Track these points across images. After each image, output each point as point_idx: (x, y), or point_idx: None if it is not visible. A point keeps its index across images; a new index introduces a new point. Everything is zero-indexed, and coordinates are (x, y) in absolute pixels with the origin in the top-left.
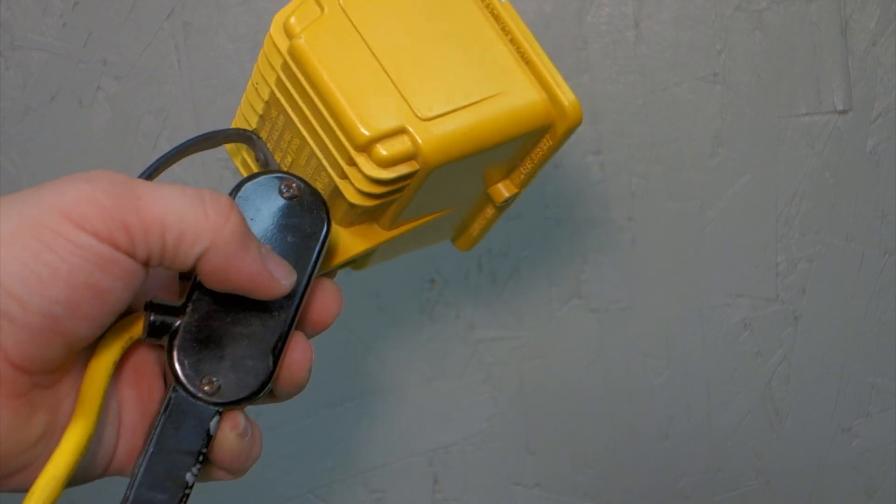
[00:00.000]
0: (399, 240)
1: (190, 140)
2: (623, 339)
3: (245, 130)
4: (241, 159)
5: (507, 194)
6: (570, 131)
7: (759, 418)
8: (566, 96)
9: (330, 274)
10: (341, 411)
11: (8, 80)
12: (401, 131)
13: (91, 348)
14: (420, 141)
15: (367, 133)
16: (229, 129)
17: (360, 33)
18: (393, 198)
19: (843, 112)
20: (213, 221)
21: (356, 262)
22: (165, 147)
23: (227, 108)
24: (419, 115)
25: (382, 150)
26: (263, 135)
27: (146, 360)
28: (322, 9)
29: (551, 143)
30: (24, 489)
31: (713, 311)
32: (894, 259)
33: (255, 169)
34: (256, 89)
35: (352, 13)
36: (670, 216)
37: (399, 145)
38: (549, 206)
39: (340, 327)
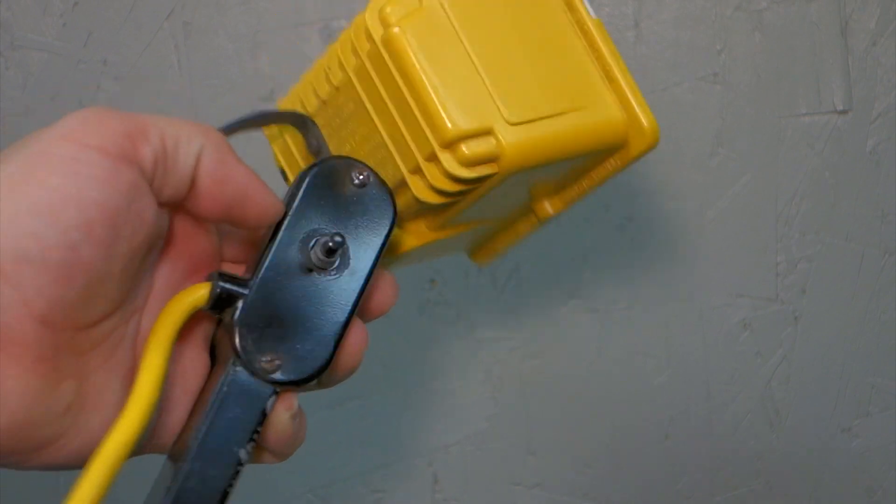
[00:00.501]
0: (434, 244)
1: (241, 118)
2: (623, 339)
3: (302, 114)
4: (282, 144)
5: (552, 212)
6: (645, 152)
7: (759, 418)
8: (647, 118)
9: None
10: (341, 411)
11: (8, 81)
12: (487, 132)
13: (125, 325)
14: (504, 144)
15: (455, 130)
16: (285, 111)
17: (456, 30)
18: (459, 199)
19: (843, 112)
20: (203, 126)
21: (392, 261)
22: None
23: (227, 109)
24: (507, 119)
25: (466, 149)
26: (320, 121)
27: (188, 333)
28: (420, 1)
29: (618, 163)
30: (52, 467)
31: (713, 312)
32: (894, 259)
33: (296, 155)
34: (327, 73)
35: (450, 10)
36: (670, 216)
37: (484, 146)
38: None
39: None
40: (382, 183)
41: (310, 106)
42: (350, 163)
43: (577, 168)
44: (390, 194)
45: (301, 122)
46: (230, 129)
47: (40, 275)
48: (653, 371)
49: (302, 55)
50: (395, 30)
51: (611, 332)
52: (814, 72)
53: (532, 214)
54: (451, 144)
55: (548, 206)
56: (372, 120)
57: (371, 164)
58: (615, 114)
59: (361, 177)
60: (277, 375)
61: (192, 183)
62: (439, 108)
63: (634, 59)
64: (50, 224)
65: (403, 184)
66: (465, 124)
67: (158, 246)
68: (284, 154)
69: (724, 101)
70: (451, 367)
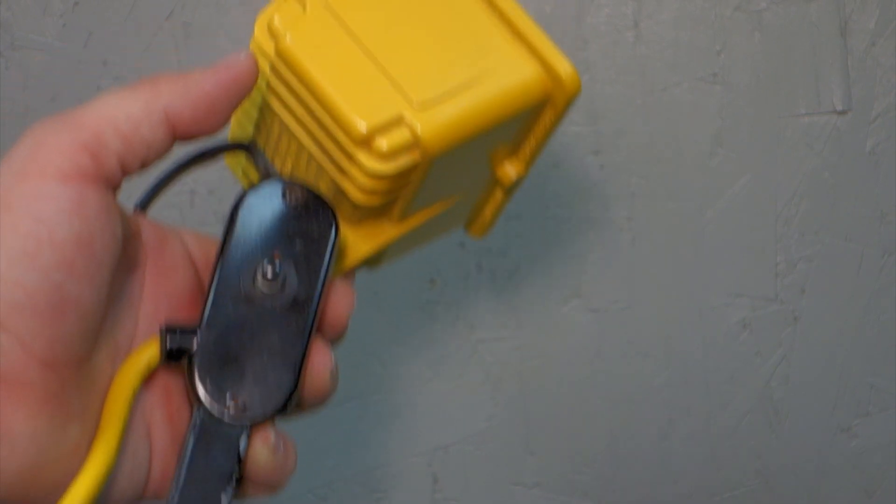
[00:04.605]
0: (411, 233)
1: (187, 157)
2: (623, 339)
3: (242, 142)
4: (242, 171)
5: (514, 175)
6: (571, 101)
7: (759, 418)
8: (563, 67)
9: (348, 276)
10: (341, 411)
11: (8, 81)
12: (398, 121)
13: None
14: (419, 129)
15: (364, 127)
16: (223, 144)
17: (344, 26)
18: (397, 193)
19: (843, 112)
20: (153, 85)
21: (370, 261)
22: None
23: None
24: (414, 102)
25: (382, 143)
26: (261, 143)
27: (174, 380)
28: (304, 6)
29: (552, 116)
30: None
31: (712, 311)
32: (893, 259)
33: (255, 179)
34: (249, 97)
35: (334, 6)
36: (670, 216)
37: (398, 136)
38: (549, 206)
39: None
40: (318, 197)
41: (248, 131)
42: (280, 183)
43: (520, 128)
44: (328, 207)
45: (244, 149)
46: (177, 172)
47: (33, 319)
48: (652, 371)
49: None
50: (286, 40)
51: (611, 332)
52: (813, 72)
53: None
54: (365, 141)
55: (509, 170)
56: (297, 133)
57: (311, 176)
58: (530, 71)
59: (295, 195)
60: (244, 413)
61: (170, 133)
62: (344, 107)
63: (633, 60)
64: (29, 270)
65: (342, 190)
66: (373, 117)
67: (137, 257)
68: (247, 180)
69: (724, 102)
70: (451, 367)
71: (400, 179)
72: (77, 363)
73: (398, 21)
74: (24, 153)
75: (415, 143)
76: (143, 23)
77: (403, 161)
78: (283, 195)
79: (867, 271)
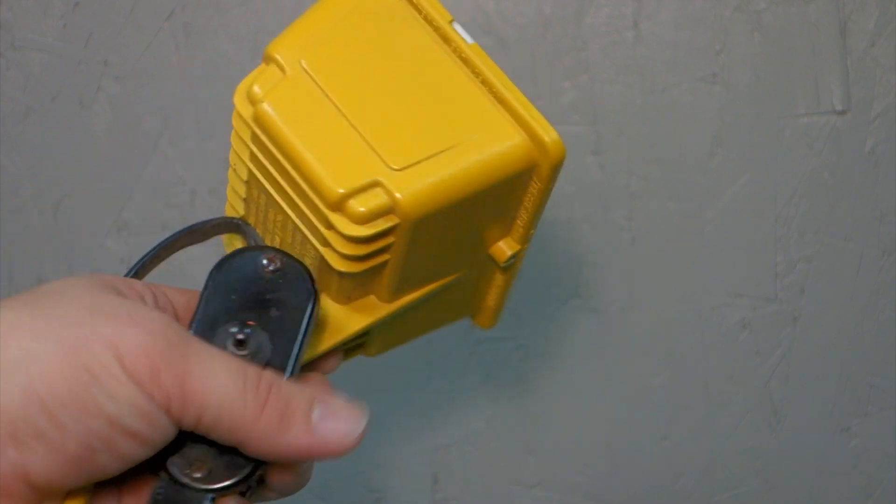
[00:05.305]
0: (408, 317)
1: (176, 233)
2: (622, 339)
3: (232, 219)
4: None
5: (509, 252)
6: (556, 169)
7: (758, 418)
8: (547, 133)
9: (329, 362)
10: None
11: (9, 81)
12: (374, 185)
13: None
14: (396, 192)
15: (339, 190)
16: (217, 219)
17: (323, 91)
18: (379, 260)
19: (842, 112)
20: (250, 411)
21: (366, 346)
22: (166, 148)
23: (226, 109)
24: (392, 166)
25: (358, 206)
26: (251, 219)
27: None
28: (284, 72)
29: (539, 185)
30: None
31: (712, 311)
32: (893, 259)
33: None
34: (235, 171)
35: (314, 71)
36: (670, 216)
37: (374, 199)
38: (548, 206)
39: None
40: (298, 264)
41: (238, 208)
42: (257, 251)
43: (509, 202)
44: (307, 274)
45: (234, 227)
46: (167, 249)
47: (51, 456)
48: (652, 371)
49: None
50: (263, 105)
51: (610, 332)
52: (812, 72)
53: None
54: (340, 205)
55: (504, 248)
56: (280, 204)
57: (297, 249)
58: (513, 136)
59: (274, 264)
60: (208, 484)
61: None
62: (319, 171)
63: (633, 60)
64: (78, 421)
65: (326, 261)
66: (349, 181)
67: None
68: None
69: (723, 102)
70: (451, 367)
71: (379, 243)
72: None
73: (379, 85)
74: (134, 339)
75: (392, 206)
76: (143, 23)
77: (379, 225)
78: (263, 261)
79: (866, 271)
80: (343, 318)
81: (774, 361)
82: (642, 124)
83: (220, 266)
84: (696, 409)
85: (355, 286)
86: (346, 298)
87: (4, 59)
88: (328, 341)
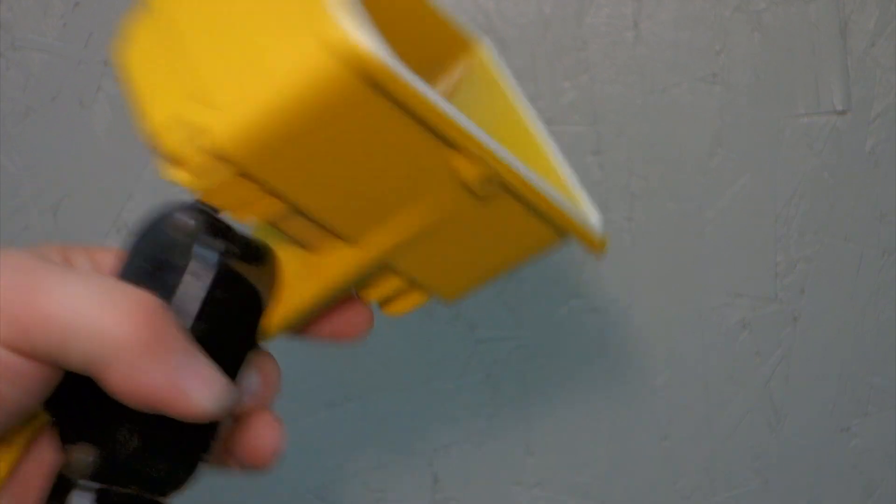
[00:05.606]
0: (454, 250)
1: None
2: (622, 339)
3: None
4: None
5: (471, 175)
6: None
7: (758, 418)
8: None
9: (350, 314)
10: (341, 411)
11: (9, 81)
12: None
13: None
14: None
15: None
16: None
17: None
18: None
19: (842, 112)
20: (117, 327)
21: (421, 291)
22: None
23: None
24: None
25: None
26: None
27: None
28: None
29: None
30: None
31: (712, 311)
32: (893, 259)
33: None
34: None
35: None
36: (670, 216)
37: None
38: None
39: None
40: (217, 226)
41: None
42: (174, 210)
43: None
44: (222, 238)
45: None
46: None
47: None
48: (652, 371)
49: None
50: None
51: (610, 332)
52: (813, 72)
53: (453, 182)
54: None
55: (464, 164)
56: None
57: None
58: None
59: (187, 226)
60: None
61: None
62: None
63: (633, 60)
64: None
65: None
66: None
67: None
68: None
69: (723, 102)
70: (451, 367)
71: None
72: None
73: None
74: None
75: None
76: None
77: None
78: (178, 221)
79: (866, 271)
80: (316, 264)
81: (774, 361)
82: (642, 124)
83: (136, 228)
84: (696, 409)
85: (304, 230)
86: (308, 245)
87: (4, 59)
88: (309, 290)
